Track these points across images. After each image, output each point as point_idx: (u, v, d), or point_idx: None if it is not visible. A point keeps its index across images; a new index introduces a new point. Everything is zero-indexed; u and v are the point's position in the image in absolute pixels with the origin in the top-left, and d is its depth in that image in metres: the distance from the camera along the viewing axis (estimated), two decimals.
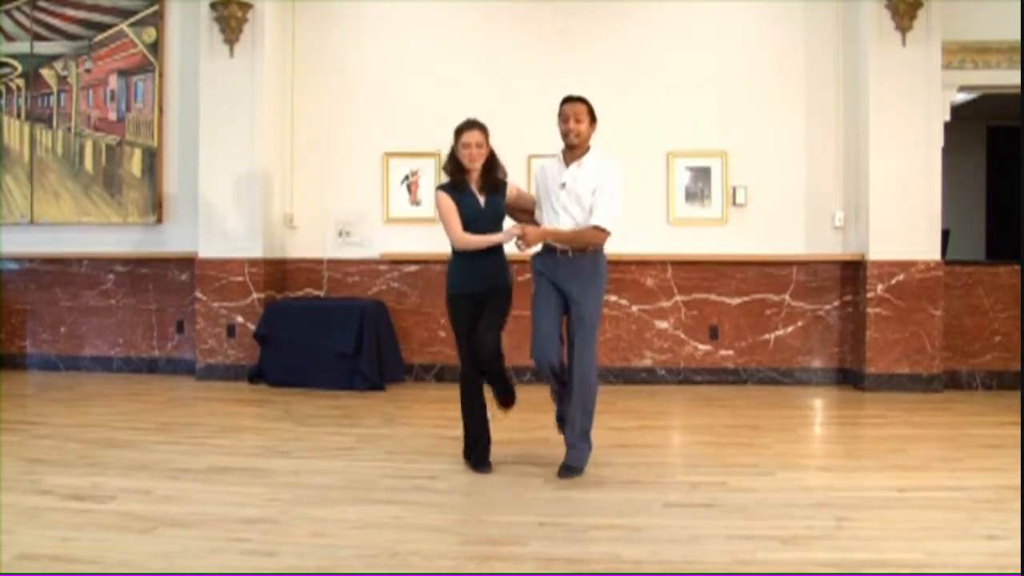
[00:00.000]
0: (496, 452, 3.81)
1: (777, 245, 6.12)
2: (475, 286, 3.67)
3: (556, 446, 3.92)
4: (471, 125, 3.64)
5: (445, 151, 6.82)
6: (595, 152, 3.63)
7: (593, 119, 3.60)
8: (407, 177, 6.41)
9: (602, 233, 3.54)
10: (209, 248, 6.25)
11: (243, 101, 6.15)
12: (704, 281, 6.18)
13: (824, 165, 6.12)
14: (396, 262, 6.40)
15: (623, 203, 3.64)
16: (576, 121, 3.55)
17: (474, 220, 3.66)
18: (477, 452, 3.72)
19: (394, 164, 6.41)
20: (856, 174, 6.02)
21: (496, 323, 3.66)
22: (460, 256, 3.72)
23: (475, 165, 3.64)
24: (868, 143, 5.81)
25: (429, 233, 6.29)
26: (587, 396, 3.59)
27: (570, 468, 3.59)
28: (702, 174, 6.21)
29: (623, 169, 3.78)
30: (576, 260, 3.59)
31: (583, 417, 3.61)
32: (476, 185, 3.69)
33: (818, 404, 5.51)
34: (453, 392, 5.95)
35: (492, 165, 3.69)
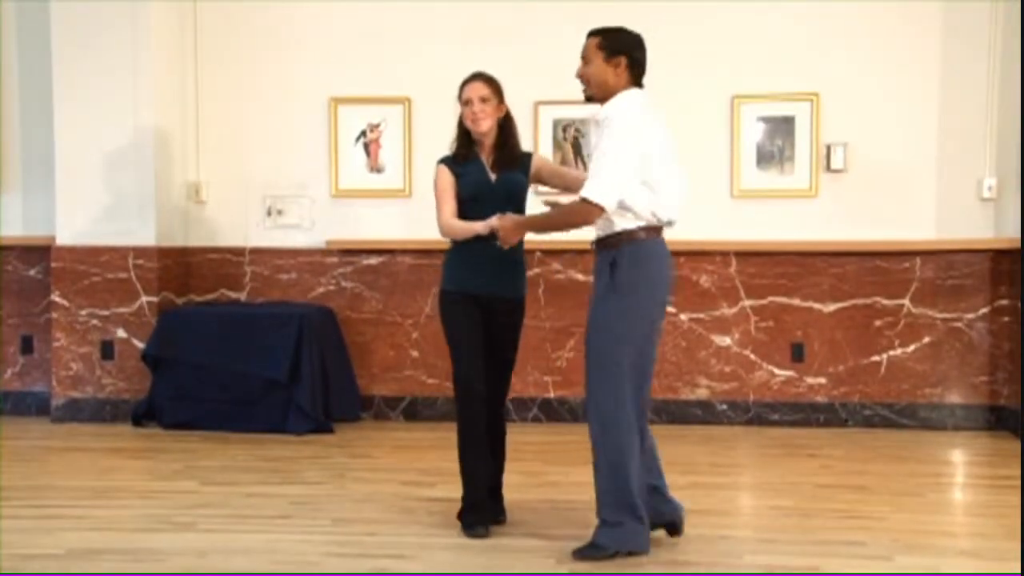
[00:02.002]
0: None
1: (892, 226, 6.08)
2: (479, 286, 3.86)
3: (576, 509, 4.01)
4: (474, 76, 3.89)
5: (417, 96, 6.75)
6: (612, 102, 3.60)
7: (611, 53, 3.58)
8: (364, 133, 6.40)
9: (584, 207, 3.48)
10: (72, 231, 6.17)
11: (121, 20, 6.05)
12: (783, 279, 6.15)
13: (967, 108, 6.05)
14: (349, 252, 6.37)
15: (631, 167, 3.49)
16: (584, 63, 3.63)
17: (477, 199, 3.84)
18: (473, 514, 3.87)
19: (346, 114, 6.38)
20: (1018, 119, 5.87)
21: (510, 371, 3.97)
22: (459, 248, 3.90)
23: (481, 127, 3.85)
24: None
25: (397, 211, 6.28)
26: (596, 448, 3.59)
27: (583, 550, 3.61)
28: (781, 127, 6.17)
29: (638, 119, 3.56)
30: (601, 257, 3.63)
31: (600, 480, 3.61)
32: (488, 157, 3.92)
33: (957, 457, 5.50)
34: (428, 434, 5.90)
35: (508, 131, 3.93)
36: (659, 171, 3.52)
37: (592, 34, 3.63)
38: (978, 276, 6.01)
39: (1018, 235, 5.78)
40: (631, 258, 3.53)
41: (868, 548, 3.72)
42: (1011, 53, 5.90)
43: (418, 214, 6.24)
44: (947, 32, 6.05)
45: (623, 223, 3.51)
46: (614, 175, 3.44)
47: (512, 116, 3.96)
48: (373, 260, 6.34)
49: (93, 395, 6.17)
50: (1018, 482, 4.75)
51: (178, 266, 6.38)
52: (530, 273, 5.99)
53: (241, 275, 6.45)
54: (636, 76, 3.60)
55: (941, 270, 6.04)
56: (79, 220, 6.15)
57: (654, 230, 3.57)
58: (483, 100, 3.81)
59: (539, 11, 6.14)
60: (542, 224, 3.74)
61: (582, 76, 3.61)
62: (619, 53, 3.57)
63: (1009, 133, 5.95)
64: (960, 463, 5.40)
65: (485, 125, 3.83)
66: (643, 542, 3.59)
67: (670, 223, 3.64)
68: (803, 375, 6.11)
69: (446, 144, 6.54)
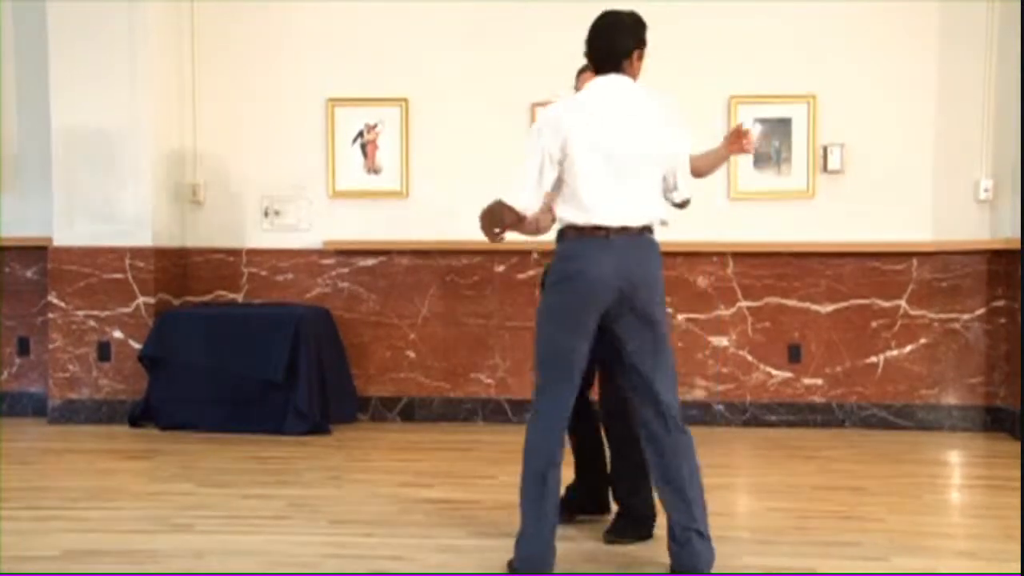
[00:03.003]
0: (491, 515, 3.93)
1: (889, 228, 6.08)
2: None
3: None
4: (587, 67, 3.70)
5: (415, 97, 6.72)
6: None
7: None
8: (361, 134, 6.39)
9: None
10: (70, 232, 6.17)
11: (118, 21, 6.05)
12: (781, 280, 6.15)
13: (964, 110, 6.06)
14: (346, 253, 6.36)
15: (536, 167, 3.36)
16: None
17: None
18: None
19: (343, 115, 6.38)
20: (1015, 121, 5.90)
21: None
22: None
23: None
24: None
25: (394, 212, 6.28)
26: None
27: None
28: (779, 128, 6.17)
29: (556, 113, 3.38)
30: None
31: None
32: None
33: (954, 458, 5.52)
34: (425, 435, 5.90)
35: None
36: (589, 169, 3.30)
37: None
38: (974, 277, 6.02)
39: (1015, 236, 5.77)
40: (556, 258, 3.45)
41: (865, 549, 3.72)
42: (1008, 55, 5.90)
43: (415, 215, 6.25)
44: (944, 34, 6.05)
45: (558, 224, 3.44)
46: (521, 177, 3.34)
47: None
48: (370, 261, 6.34)
49: (90, 396, 6.17)
50: (1015, 483, 4.75)
51: (175, 267, 6.37)
52: (526, 274, 6.03)
53: (238, 276, 6.45)
54: (591, 61, 3.46)
55: (938, 271, 6.04)
56: (76, 221, 6.14)
57: (583, 230, 3.33)
58: None
59: (537, 13, 6.11)
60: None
61: None
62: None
63: (1006, 135, 5.95)
64: (957, 464, 5.40)
65: None
66: (526, 546, 3.34)
67: (594, 227, 3.32)
68: (800, 376, 6.12)
69: (445, 145, 6.58)
